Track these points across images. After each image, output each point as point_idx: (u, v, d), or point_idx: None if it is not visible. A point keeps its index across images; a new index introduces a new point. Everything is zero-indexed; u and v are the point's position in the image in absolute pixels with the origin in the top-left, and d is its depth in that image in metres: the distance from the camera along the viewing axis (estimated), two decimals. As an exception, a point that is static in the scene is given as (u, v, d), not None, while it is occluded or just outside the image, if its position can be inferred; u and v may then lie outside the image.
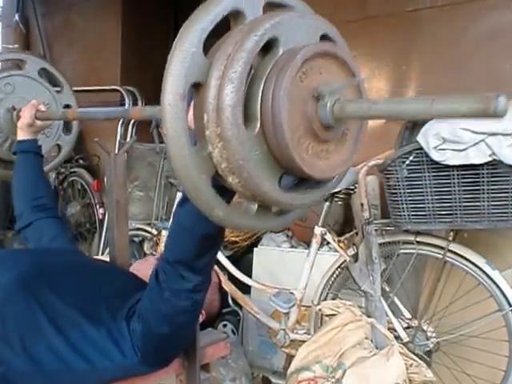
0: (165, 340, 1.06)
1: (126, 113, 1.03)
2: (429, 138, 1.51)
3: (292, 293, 1.90)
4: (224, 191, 0.67)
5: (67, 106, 1.69)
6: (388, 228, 1.78)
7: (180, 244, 0.96)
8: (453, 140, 1.48)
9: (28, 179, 1.40)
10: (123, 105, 3.20)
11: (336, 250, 1.89)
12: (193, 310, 1.06)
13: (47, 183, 1.42)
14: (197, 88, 0.62)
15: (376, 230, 1.77)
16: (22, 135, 1.41)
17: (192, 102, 0.64)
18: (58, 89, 1.69)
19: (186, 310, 1.03)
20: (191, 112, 0.65)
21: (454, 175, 1.53)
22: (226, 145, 0.59)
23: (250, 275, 2.14)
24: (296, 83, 0.62)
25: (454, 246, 1.65)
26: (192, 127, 0.65)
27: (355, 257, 1.81)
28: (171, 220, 1.02)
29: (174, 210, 1.00)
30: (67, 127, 1.72)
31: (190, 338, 1.18)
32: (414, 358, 1.50)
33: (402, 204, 1.62)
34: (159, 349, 1.07)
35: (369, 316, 1.69)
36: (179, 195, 2.05)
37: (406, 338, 1.72)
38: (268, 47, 0.63)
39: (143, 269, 1.29)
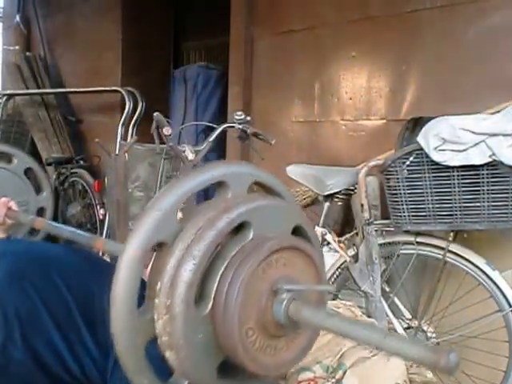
0: None
1: (90, 240, 1.05)
2: (429, 138, 1.51)
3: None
4: (163, 363, 0.61)
5: (41, 209, 1.66)
6: (388, 229, 1.78)
7: None
8: (453, 141, 1.48)
9: None
10: (124, 105, 3.20)
11: (336, 251, 1.89)
12: None
13: None
14: (161, 246, 0.61)
15: (376, 231, 1.77)
16: None
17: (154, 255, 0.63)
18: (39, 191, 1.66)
19: None
20: (150, 266, 0.62)
21: (454, 176, 1.53)
22: (172, 320, 0.57)
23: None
24: (257, 273, 0.60)
25: (454, 247, 1.65)
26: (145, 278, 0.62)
27: (355, 257, 1.81)
28: None
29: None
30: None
31: None
32: (415, 358, 1.50)
33: (402, 205, 1.62)
34: None
35: (369, 316, 1.69)
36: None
37: (406, 339, 1.73)
38: (239, 227, 0.62)
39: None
